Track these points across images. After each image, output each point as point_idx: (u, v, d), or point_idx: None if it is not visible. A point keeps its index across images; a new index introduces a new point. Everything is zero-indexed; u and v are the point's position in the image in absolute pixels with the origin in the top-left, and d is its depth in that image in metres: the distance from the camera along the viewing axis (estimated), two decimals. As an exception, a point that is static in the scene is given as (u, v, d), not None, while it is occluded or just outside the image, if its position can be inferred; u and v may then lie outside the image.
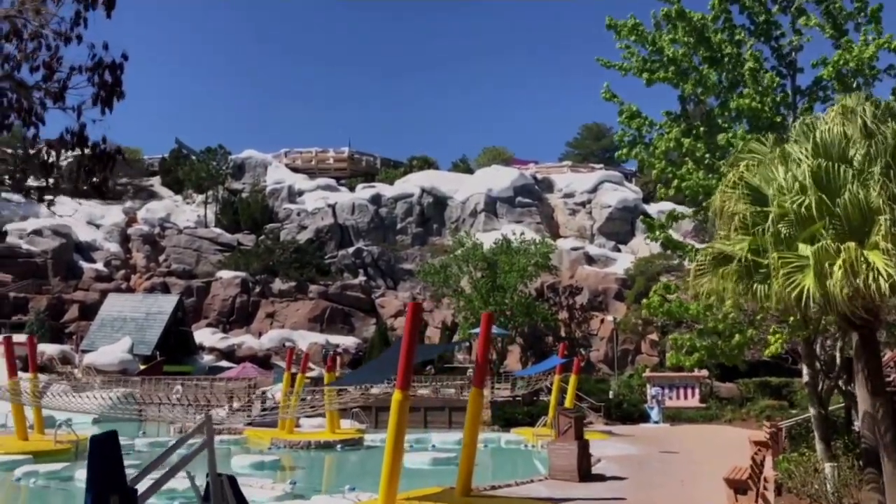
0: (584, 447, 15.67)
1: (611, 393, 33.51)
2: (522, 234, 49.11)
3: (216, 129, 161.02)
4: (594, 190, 63.00)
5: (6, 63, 6.37)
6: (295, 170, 70.57)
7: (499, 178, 62.22)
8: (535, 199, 62.23)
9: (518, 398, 31.20)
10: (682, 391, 32.87)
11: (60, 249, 56.93)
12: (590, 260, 55.58)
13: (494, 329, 41.86)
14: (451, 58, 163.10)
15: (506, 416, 29.65)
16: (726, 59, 14.33)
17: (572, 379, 26.77)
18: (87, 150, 7.31)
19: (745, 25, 14.72)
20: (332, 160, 72.14)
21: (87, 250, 59.77)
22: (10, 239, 56.41)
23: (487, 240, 49.53)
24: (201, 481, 7.98)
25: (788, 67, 14.67)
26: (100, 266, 57.98)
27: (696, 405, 32.46)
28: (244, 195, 66.98)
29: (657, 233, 14.97)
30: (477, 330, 42.71)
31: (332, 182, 68.30)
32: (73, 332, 49.64)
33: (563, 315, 50.35)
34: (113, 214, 65.44)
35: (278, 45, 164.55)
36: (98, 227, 63.36)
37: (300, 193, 66.57)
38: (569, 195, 63.87)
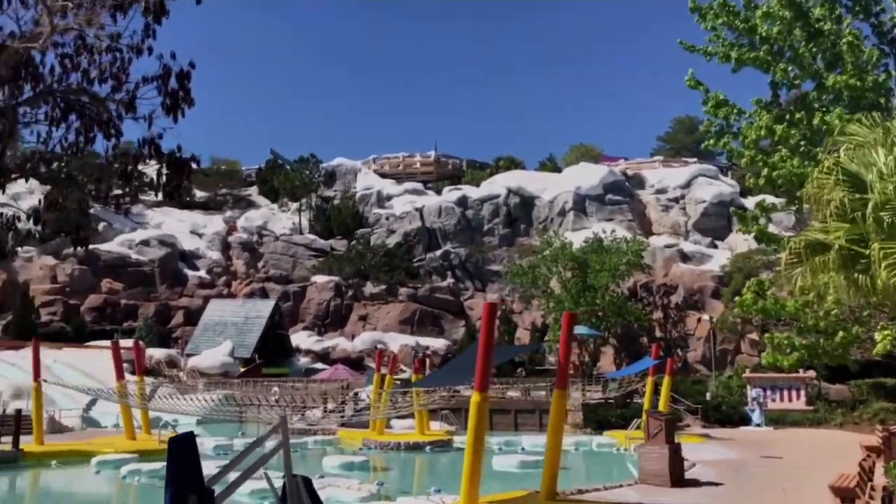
0: (675, 451, 15.04)
1: (708, 395, 32.19)
2: (613, 231, 48.03)
3: (308, 138, 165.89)
4: (688, 185, 60.94)
5: (85, 78, 6.66)
6: (383, 175, 71.72)
7: (587, 176, 61.14)
8: (625, 197, 60.78)
9: (611, 400, 30.43)
10: (786, 393, 31.18)
11: (167, 258, 59.94)
12: (684, 257, 53.74)
13: (584, 330, 41.32)
14: (538, 58, 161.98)
15: (598, 419, 28.99)
16: (825, 35, 13.42)
17: (665, 381, 25.85)
18: (163, 160, 7.54)
19: (842, 2, 13.80)
20: (418, 164, 72.90)
21: (190, 258, 62.67)
22: (120, 249, 59.77)
23: (577, 239, 48.71)
24: (279, 482, 8.13)
25: (891, 45, 13.63)
26: (203, 273, 60.69)
27: (801, 408, 30.72)
28: (336, 202, 68.57)
29: (750, 225, 14.21)
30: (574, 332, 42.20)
31: (420, 186, 69.02)
32: (178, 336, 52.08)
33: (658, 315, 48.89)
34: (214, 224, 68.41)
35: (366, 56, 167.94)
36: (201, 236, 66.30)
37: (388, 198, 67.58)
38: (661, 191, 62.04)
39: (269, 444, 8.74)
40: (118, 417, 29.21)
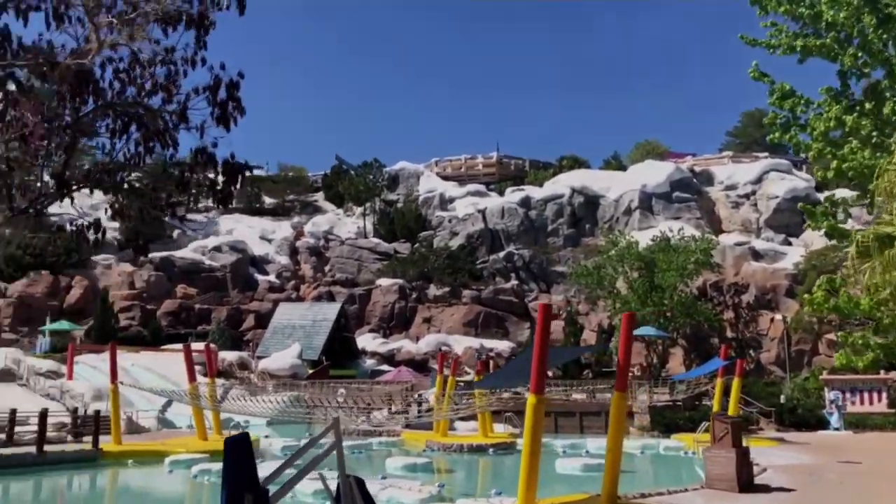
0: (743, 455, 14.54)
1: (783, 397, 31.04)
2: (681, 230, 46.90)
3: (372, 143, 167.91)
4: (759, 180, 59.01)
5: (140, 91, 6.92)
6: (445, 178, 72.01)
7: (653, 174, 59.92)
8: (693, 194, 59.27)
9: (678, 403, 29.71)
10: (866, 395, 29.79)
11: (238, 264, 61.70)
12: (756, 255, 52.03)
13: (651, 331, 40.50)
14: (600, 57, 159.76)
15: (665, 422, 28.33)
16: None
17: (735, 382, 25.04)
18: (217, 168, 7.76)
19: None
20: (480, 166, 72.91)
21: (260, 263, 64.37)
22: (194, 255, 61.82)
23: (643, 238, 47.77)
24: (333, 483, 8.27)
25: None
26: (272, 278, 62.23)
27: (883, 410, 29.29)
28: (399, 205, 69.22)
29: (819, 221, 13.65)
30: (636, 333, 41.40)
31: (482, 188, 69.00)
32: (249, 339, 53.52)
33: (729, 315, 47.47)
34: (283, 229, 70.08)
35: (426, 60, 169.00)
36: (270, 241, 67.99)
37: (451, 200, 67.80)
38: (731, 187, 60.27)
39: (325, 441, 8.90)
40: (191, 418, 30.21)
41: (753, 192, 58.67)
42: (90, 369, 38.21)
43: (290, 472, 7.97)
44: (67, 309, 52.06)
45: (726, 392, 25.52)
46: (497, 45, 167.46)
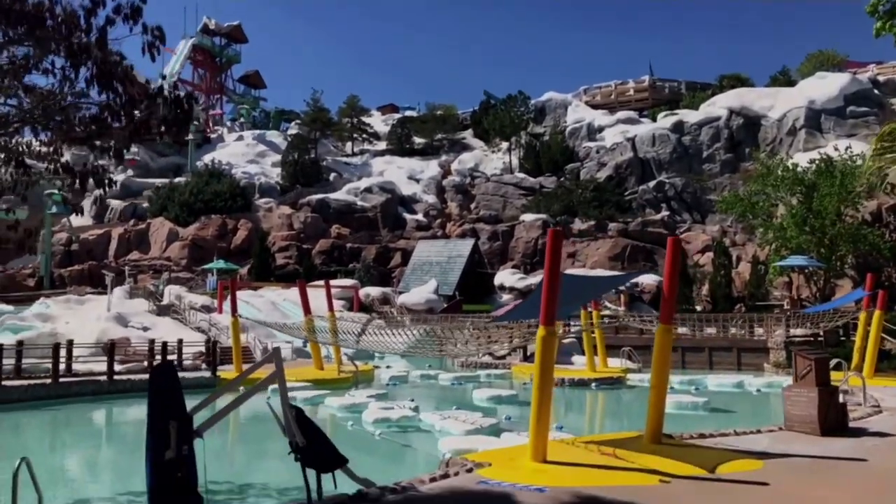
0: (828, 395, 12.80)
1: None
2: (848, 148, 41.67)
3: (520, 76, 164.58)
4: (956, 87, 50.87)
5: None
6: (594, 106, 69.06)
7: (824, 87, 53.48)
8: (872, 107, 52.31)
9: (820, 338, 26.90)
10: None
11: (387, 204, 63.71)
12: (948, 173, 45.14)
13: (802, 261, 36.81)
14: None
15: (804, 359, 25.79)
16: None
17: (876, 315, 22.12)
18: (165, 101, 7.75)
19: None
20: (632, 91, 69.03)
21: (409, 203, 66.01)
22: (347, 197, 64.59)
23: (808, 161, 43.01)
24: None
25: None
26: (420, 216, 63.67)
27: None
28: (545, 138, 67.52)
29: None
30: (788, 263, 37.78)
31: (633, 114, 65.42)
32: (396, 276, 55.44)
33: (909, 242, 41.85)
34: (430, 169, 71.11)
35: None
36: (418, 181, 69.36)
37: (600, 130, 65.04)
38: (921, 96, 52.55)
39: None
40: (329, 349, 32.00)
41: (950, 101, 50.81)
42: (243, 304, 41.38)
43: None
44: (234, 250, 56.66)
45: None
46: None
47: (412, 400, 17.80)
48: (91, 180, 7.69)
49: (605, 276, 28.15)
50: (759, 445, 11.80)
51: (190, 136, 69.32)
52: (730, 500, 8.47)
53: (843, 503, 8.43)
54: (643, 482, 9.20)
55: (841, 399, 13.84)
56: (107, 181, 8.82)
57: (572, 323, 30.99)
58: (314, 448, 7.86)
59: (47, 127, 7.69)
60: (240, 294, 43.64)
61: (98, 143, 7.94)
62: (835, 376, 20.38)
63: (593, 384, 23.17)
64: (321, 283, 36.14)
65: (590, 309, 29.71)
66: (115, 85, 7.68)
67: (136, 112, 8.07)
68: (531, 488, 8.80)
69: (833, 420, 12.86)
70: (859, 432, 12.98)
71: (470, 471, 9.75)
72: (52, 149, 8.51)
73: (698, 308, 42.15)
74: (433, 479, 9.25)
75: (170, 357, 25.97)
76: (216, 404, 9.49)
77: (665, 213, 55.07)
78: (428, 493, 8.68)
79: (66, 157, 8.81)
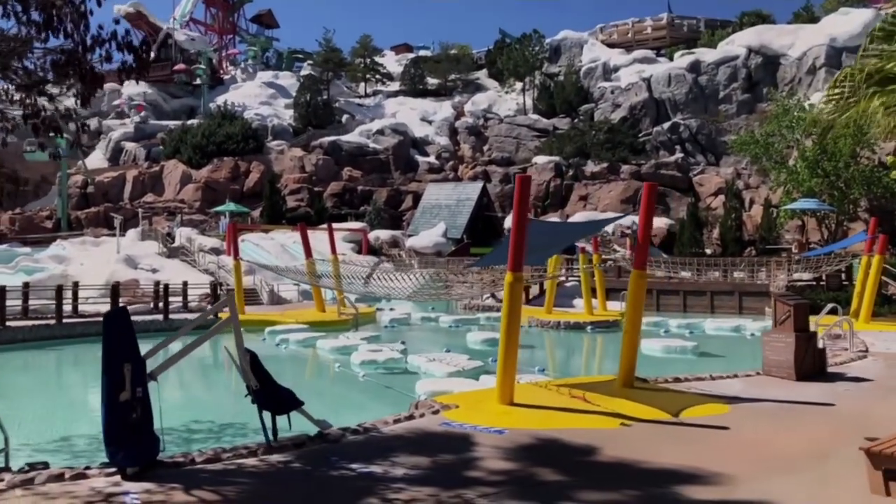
0: (805, 340, 12.83)
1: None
2: (867, 88, 40.50)
3: (536, 14, 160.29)
4: None
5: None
6: (611, 45, 67.50)
7: (846, 24, 51.72)
8: (897, 44, 50.55)
9: (822, 283, 26.75)
10: None
11: (399, 146, 63.32)
12: (971, 114, 43.85)
13: (812, 204, 36.30)
14: None
15: (804, 303, 25.73)
16: None
17: (876, 259, 21.91)
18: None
19: None
20: (649, 29, 67.27)
21: (421, 145, 65.55)
22: (359, 139, 64.25)
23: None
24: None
25: None
26: (432, 159, 63.31)
27: None
28: (560, 78, 66.32)
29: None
30: (797, 206, 37.28)
31: (650, 53, 63.90)
32: (407, 219, 55.54)
33: (927, 186, 40.97)
34: (444, 110, 70.30)
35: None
36: (430, 123, 68.70)
37: (615, 70, 63.69)
38: (950, 33, 50.57)
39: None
40: (333, 291, 32.42)
41: (979, 38, 48.86)
42: (253, 246, 41.86)
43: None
44: (247, 192, 56.94)
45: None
46: None
47: (402, 342, 18.06)
48: (44, 127, 7.73)
49: (579, 223, 28.02)
50: (732, 390, 11.91)
51: (197, 81, 68.90)
52: (685, 443, 8.59)
53: (797, 447, 8.53)
54: (604, 425, 9.35)
55: (821, 344, 13.89)
56: (80, 126, 8.89)
57: (574, 267, 31.05)
58: (268, 390, 8.08)
59: (6, 76, 7.71)
60: (250, 237, 44.31)
61: (55, 90, 7.96)
62: (830, 321, 20.43)
63: (589, 327, 23.33)
64: (340, 225, 36.36)
65: (589, 252, 29.75)
66: (68, 29, 7.67)
67: (90, 57, 8.05)
68: (491, 430, 9.00)
69: (809, 365, 12.92)
70: (835, 377, 13.03)
71: (436, 412, 9.96)
72: (23, 95, 8.55)
73: (708, 251, 41.94)
74: (397, 421, 9.47)
75: (175, 299, 26.52)
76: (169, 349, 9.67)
77: (679, 155, 54.28)
78: (389, 433, 8.91)
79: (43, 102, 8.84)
